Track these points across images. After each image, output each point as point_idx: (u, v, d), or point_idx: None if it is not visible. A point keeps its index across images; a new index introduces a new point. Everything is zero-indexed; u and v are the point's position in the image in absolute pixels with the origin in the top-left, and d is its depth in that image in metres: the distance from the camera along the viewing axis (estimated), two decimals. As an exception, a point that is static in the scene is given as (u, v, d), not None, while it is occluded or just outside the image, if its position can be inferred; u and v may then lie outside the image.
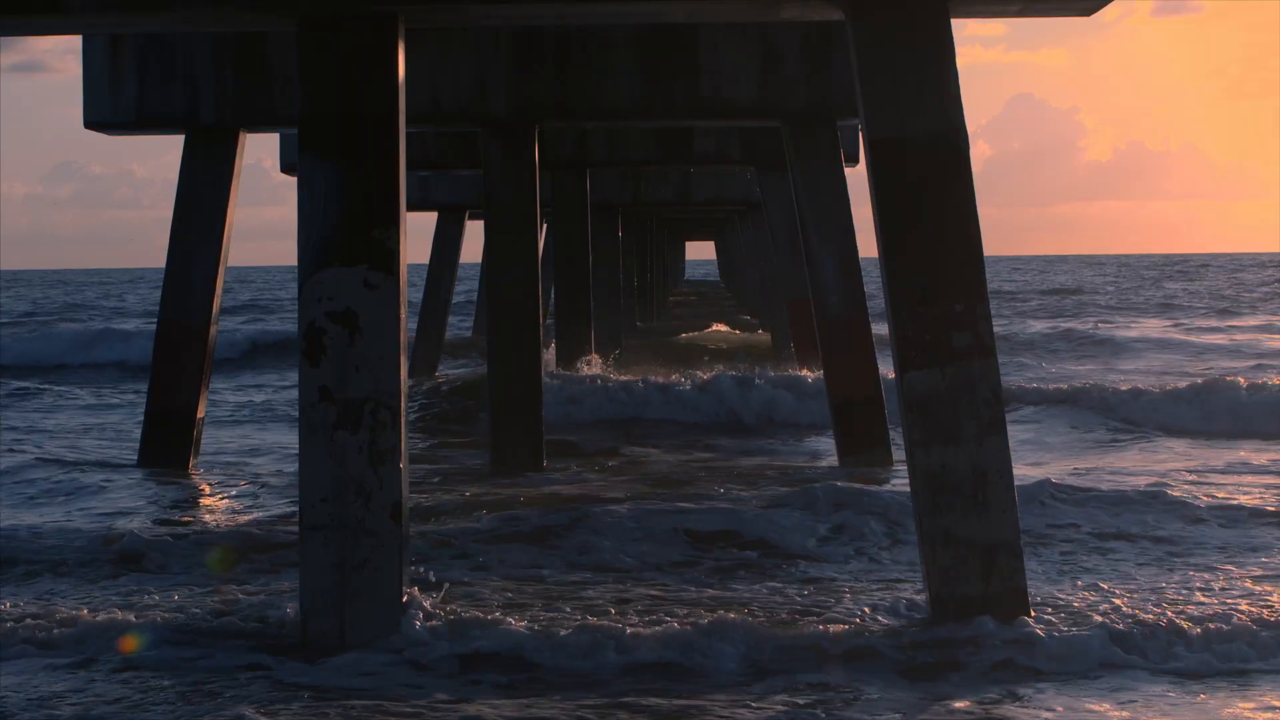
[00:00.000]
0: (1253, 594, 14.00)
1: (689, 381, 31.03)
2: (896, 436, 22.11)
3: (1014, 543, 12.42)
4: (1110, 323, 65.07)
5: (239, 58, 21.89)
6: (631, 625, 12.60)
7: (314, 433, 12.45)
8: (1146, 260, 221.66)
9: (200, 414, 23.01)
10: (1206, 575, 15.02)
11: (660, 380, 31.20)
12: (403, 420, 12.46)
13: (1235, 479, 21.40)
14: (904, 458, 12.80)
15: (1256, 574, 15.06)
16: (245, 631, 12.87)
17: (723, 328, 56.38)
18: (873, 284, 22.48)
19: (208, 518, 19.39)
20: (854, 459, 22.80)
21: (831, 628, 12.52)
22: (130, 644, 12.83)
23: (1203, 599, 13.73)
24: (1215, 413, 28.40)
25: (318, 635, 12.40)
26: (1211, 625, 12.30)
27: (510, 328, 22.69)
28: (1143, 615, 12.69)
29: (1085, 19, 13.13)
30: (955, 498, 12.40)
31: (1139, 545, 16.76)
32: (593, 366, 33.58)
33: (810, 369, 32.60)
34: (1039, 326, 60.63)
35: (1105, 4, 12.59)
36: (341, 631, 12.38)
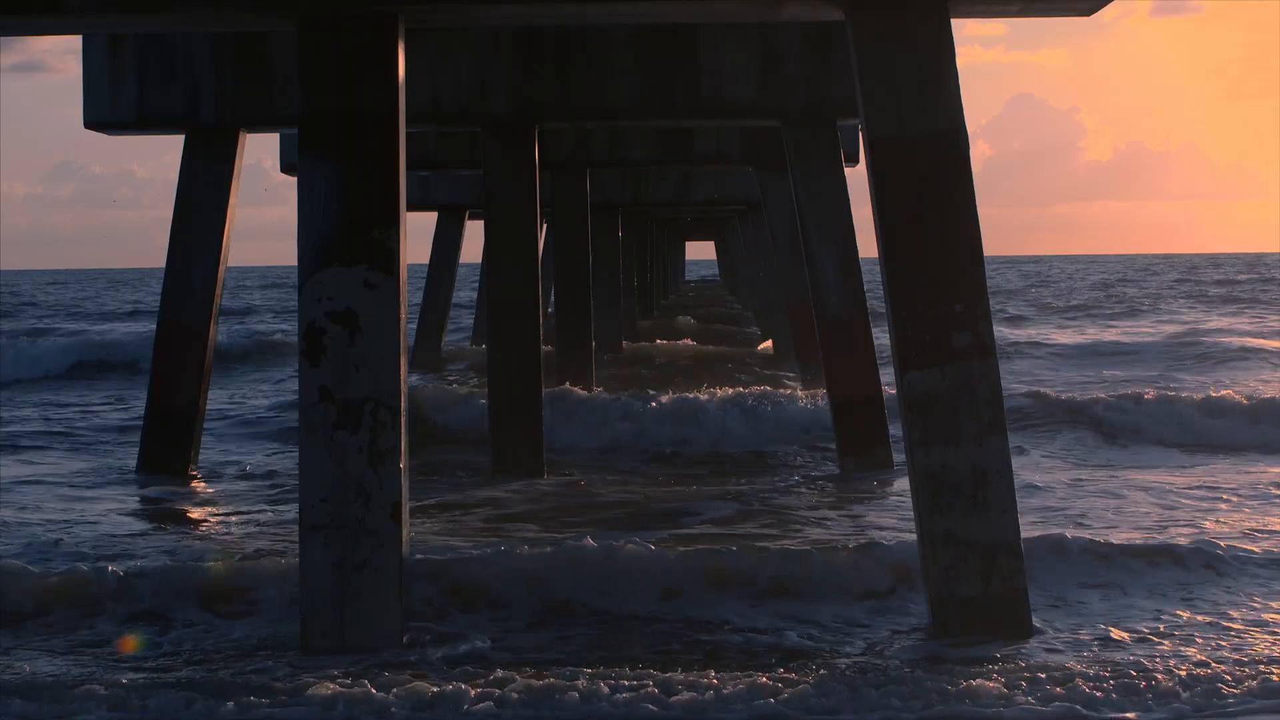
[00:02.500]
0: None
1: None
2: (896, 435, 22.12)
3: (1014, 543, 12.41)
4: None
5: (239, 58, 21.88)
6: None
7: (314, 433, 12.45)
8: (1139, 260, 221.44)
9: (201, 414, 23.02)
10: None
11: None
12: (403, 420, 12.46)
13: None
14: (904, 458, 12.79)
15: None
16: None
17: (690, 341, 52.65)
18: (873, 284, 22.42)
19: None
20: (854, 459, 22.81)
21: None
22: (130, 644, 12.84)
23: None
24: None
25: (317, 635, 12.40)
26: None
27: (510, 328, 22.67)
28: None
29: (1085, 19, 13.14)
30: (955, 498, 12.39)
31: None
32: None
33: (810, 369, 32.57)
34: None
35: (1105, 4, 12.60)
36: (341, 631, 12.39)
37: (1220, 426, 26.80)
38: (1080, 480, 22.14)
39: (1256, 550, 15.86)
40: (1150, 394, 29.05)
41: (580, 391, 29.30)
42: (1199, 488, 21.14)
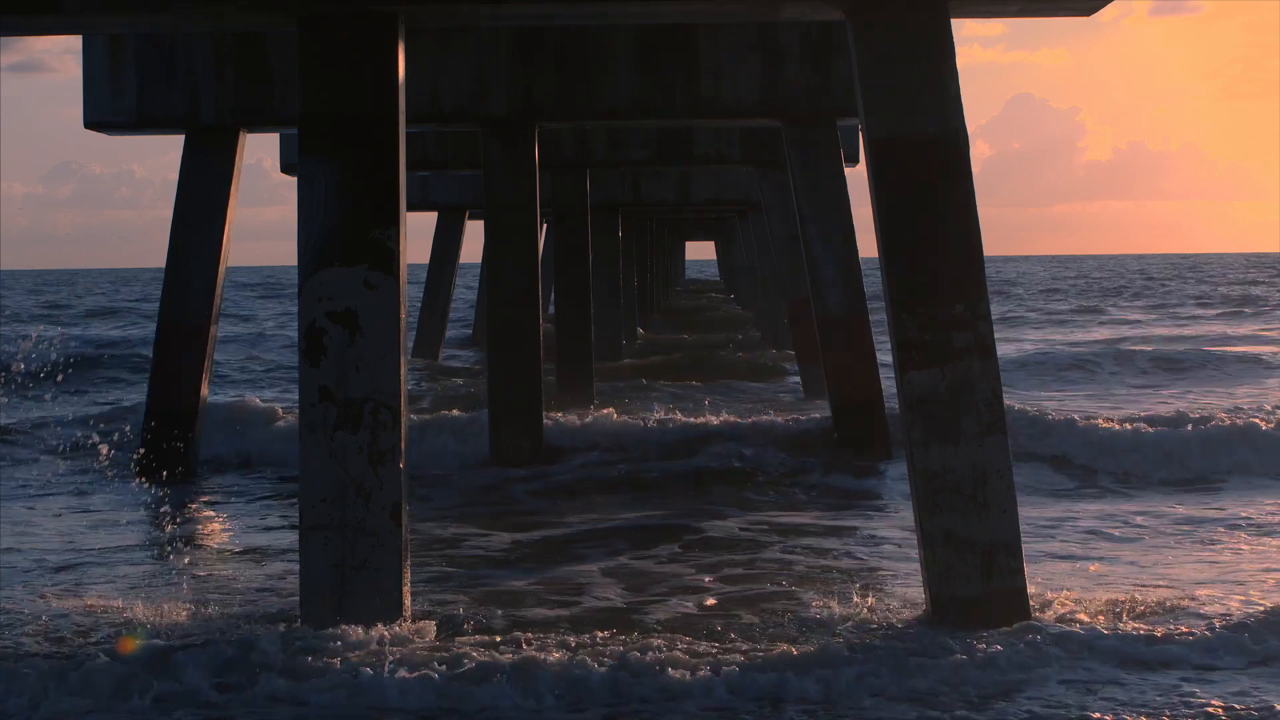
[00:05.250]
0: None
1: None
2: (896, 434, 22.09)
3: (1014, 543, 12.41)
4: None
5: (239, 58, 21.89)
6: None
7: (314, 432, 12.45)
8: (1129, 261, 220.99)
9: (201, 414, 23.01)
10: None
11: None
12: (403, 420, 12.46)
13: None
14: (904, 457, 12.78)
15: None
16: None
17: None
18: (873, 284, 22.33)
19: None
20: (853, 458, 22.81)
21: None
22: (129, 645, 12.84)
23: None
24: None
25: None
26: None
27: (510, 327, 22.69)
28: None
29: (1085, 19, 13.13)
30: (955, 497, 12.40)
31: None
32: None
33: (810, 371, 32.56)
34: None
35: (1105, 4, 12.60)
36: (341, 631, 12.36)
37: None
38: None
39: None
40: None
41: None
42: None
